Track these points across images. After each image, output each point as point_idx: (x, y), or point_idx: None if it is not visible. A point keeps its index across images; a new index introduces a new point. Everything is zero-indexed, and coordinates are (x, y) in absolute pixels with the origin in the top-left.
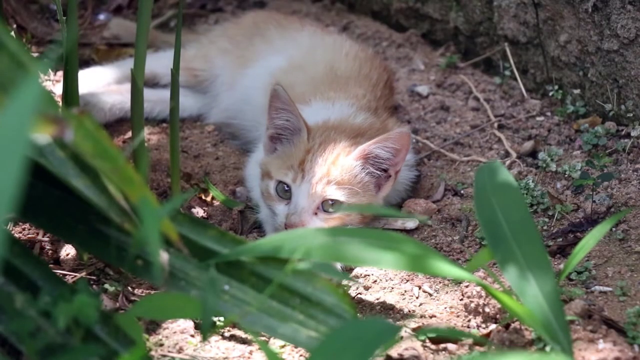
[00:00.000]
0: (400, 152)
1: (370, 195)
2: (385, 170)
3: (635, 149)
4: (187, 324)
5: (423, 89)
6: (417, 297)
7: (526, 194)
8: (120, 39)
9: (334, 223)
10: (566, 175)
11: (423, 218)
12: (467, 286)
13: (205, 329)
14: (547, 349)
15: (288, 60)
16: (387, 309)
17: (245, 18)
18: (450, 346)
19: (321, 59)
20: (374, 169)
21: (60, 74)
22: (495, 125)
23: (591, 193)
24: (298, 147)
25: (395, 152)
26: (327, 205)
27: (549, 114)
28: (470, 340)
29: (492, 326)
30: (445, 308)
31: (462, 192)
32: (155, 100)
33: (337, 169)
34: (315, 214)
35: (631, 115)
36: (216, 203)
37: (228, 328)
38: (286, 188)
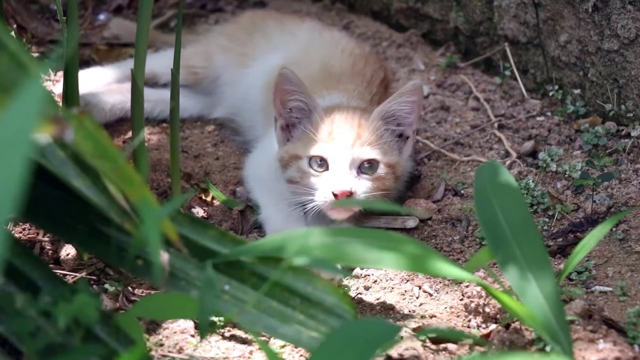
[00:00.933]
0: (415, 105)
1: (396, 155)
2: (410, 124)
3: (636, 149)
4: (187, 324)
5: (423, 89)
6: (417, 297)
7: (526, 194)
8: (120, 39)
9: (378, 183)
10: (566, 175)
11: (421, 212)
12: (467, 286)
13: (202, 329)
14: (547, 349)
15: (285, 58)
16: (387, 309)
17: (244, 16)
18: (451, 346)
19: (317, 56)
20: (395, 127)
21: (60, 74)
22: (496, 125)
23: (591, 193)
24: (318, 123)
25: (412, 104)
26: (364, 168)
27: (549, 114)
28: (470, 340)
29: (492, 326)
30: (446, 308)
31: (462, 192)
32: (156, 100)
33: (365, 131)
34: (357, 176)
35: (631, 115)
36: (216, 203)
37: (228, 328)
38: (319, 161)
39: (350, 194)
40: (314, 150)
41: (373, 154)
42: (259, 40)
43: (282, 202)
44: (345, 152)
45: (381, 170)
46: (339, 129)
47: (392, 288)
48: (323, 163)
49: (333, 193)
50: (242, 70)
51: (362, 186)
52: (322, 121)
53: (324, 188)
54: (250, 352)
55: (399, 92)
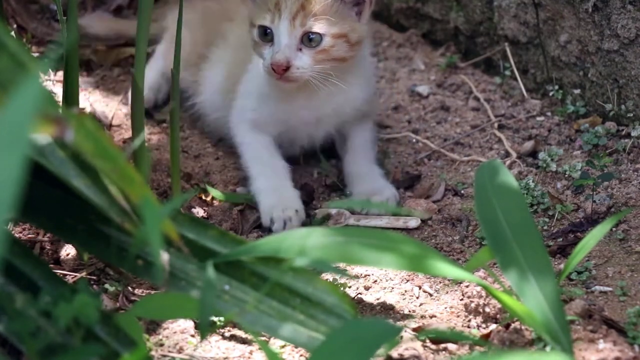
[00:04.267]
0: None
1: (352, 21)
2: None
3: (636, 149)
4: (188, 324)
5: (423, 89)
6: (417, 297)
7: (526, 194)
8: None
9: (322, 56)
10: (566, 175)
11: (421, 212)
12: (467, 286)
13: (203, 329)
14: (548, 349)
15: None
16: (387, 309)
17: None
18: (451, 346)
19: None
20: None
21: (60, 74)
22: (496, 125)
23: (591, 193)
24: None
25: None
26: (307, 41)
27: (549, 114)
28: (470, 340)
29: (493, 326)
30: (446, 308)
31: (462, 192)
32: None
33: (310, 2)
34: (300, 49)
35: (631, 115)
36: (216, 203)
37: (228, 328)
38: (267, 31)
39: (286, 68)
40: (261, 20)
41: (316, 26)
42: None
43: (272, 171)
44: (286, 24)
45: (327, 42)
46: (286, 0)
47: (392, 288)
48: (269, 34)
49: (271, 65)
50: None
51: (302, 60)
52: None
53: (267, 59)
54: (250, 352)
55: None
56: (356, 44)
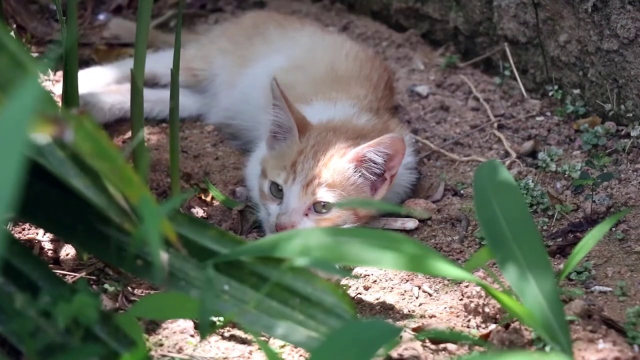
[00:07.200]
0: (393, 157)
1: (365, 197)
2: (381, 174)
3: (635, 149)
4: (187, 324)
5: (423, 89)
6: (416, 297)
7: (526, 194)
8: (120, 39)
9: (326, 224)
10: (566, 175)
11: (421, 212)
12: (466, 286)
13: (203, 329)
14: (547, 349)
15: (288, 60)
16: (386, 309)
17: (245, 18)
18: (450, 346)
19: (321, 59)
20: (367, 173)
21: (60, 73)
22: (495, 125)
23: (591, 193)
24: (291, 146)
25: (388, 157)
26: (318, 207)
27: (548, 114)
28: (470, 340)
29: (492, 326)
30: (445, 308)
31: (462, 192)
32: (155, 100)
33: (328, 171)
34: (306, 214)
35: (631, 115)
36: (216, 203)
37: (228, 328)
38: (279, 188)
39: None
40: (275, 177)
41: (328, 196)
42: (261, 42)
43: None
44: (299, 189)
45: (335, 213)
46: (304, 162)
47: (392, 288)
48: (280, 192)
49: (275, 225)
50: (243, 71)
51: (305, 224)
52: (295, 148)
53: (272, 216)
54: (250, 352)
55: (378, 140)
56: (364, 217)
